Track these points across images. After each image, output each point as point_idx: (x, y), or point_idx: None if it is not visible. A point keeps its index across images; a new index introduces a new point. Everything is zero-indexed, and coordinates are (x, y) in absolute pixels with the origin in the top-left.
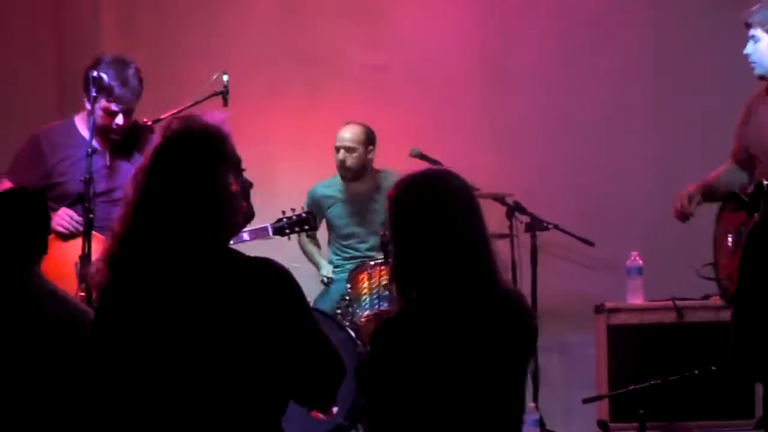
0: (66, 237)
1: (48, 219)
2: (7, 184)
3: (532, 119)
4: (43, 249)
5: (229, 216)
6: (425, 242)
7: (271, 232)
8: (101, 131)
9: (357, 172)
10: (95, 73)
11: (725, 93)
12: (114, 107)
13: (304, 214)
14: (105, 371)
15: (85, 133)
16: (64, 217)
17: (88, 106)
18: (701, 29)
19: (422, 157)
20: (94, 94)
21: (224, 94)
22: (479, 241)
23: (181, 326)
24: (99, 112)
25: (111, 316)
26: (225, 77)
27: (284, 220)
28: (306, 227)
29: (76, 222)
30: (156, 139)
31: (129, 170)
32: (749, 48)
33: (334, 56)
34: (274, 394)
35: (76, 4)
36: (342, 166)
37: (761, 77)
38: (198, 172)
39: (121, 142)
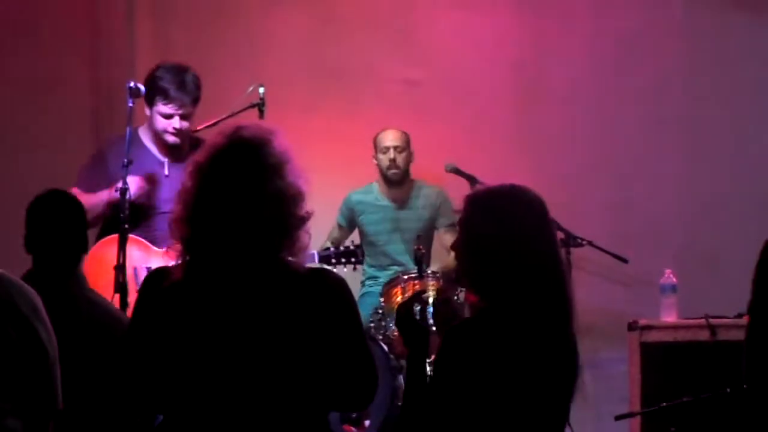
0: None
1: (85, 218)
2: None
3: (567, 135)
4: (84, 248)
5: (287, 221)
6: (506, 257)
7: (317, 260)
8: (160, 138)
9: (404, 174)
10: (132, 84)
11: (758, 109)
12: (170, 109)
13: (352, 247)
14: (143, 370)
15: (148, 142)
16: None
17: (147, 112)
18: (733, 45)
19: (457, 171)
20: (130, 104)
21: (260, 106)
22: (557, 259)
23: (227, 328)
24: (156, 116)
25: (157, 314)
26: (261, 89)
27: (331, 249)
28: (353, 259)
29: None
30: (216, 139)
31: None
32: None
33: (369, 70)
34: (315, 397)
35: (111, 17)
36: (393, 166)
37: None
38: (258, 178)
39: (183, 155)
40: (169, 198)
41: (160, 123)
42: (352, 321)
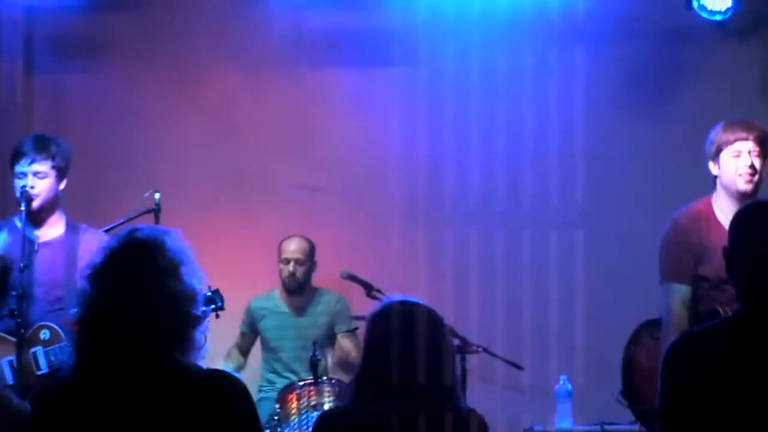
0: None
1: None
2: None
3: (464, 245)
4: None
5: (183, 326)
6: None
7: None
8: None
9: (303, 285)
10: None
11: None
12: (21, 166)
13: (209, 293)
14: None
15: (21, 221)
16: None
17: None
18: None
19: (353, 278)
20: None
21: (156, 211)
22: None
23: None
24: (14, 183)
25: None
26: (157, 195)
27: None
28: (212, 306)
29: None
30: (111, 242)
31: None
32: None
33: (266, 175)
34: None
35: (8, 117)
36: (291, 278)
37: None
38: (154, 281)
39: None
40: (39, 280)
41: (17, 187)
42: (254, 428)
